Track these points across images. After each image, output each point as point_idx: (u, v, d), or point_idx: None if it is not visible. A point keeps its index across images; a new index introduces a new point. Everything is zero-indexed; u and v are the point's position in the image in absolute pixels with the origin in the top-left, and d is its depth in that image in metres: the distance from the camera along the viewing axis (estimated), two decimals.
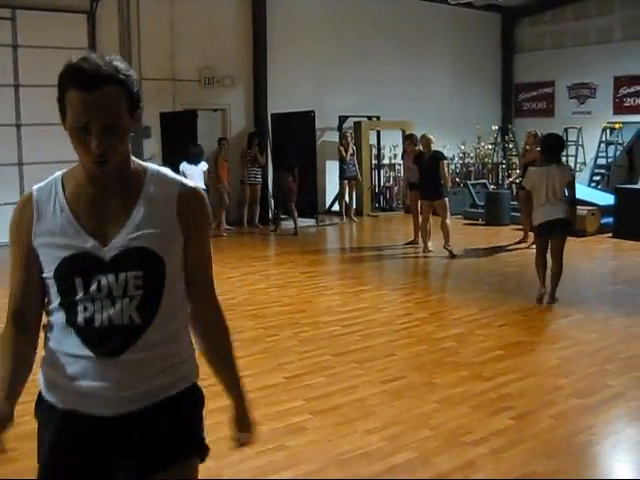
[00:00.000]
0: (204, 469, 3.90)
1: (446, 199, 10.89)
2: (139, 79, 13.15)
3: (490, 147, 18.12)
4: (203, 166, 12.16)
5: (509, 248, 11.36)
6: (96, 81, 1.77)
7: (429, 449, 4.17)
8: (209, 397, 4.98)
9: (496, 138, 18.19)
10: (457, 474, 3.88)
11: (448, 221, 10.79)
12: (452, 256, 10.53)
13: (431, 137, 11.03)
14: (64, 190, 1.94)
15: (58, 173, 1.99)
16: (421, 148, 11.26)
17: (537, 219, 7.71)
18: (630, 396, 5.11)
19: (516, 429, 4.47)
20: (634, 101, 17.47)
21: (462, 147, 17.94)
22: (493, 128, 18.28)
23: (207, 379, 5.33)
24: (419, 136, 11.51)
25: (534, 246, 11.05)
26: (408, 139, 12.32)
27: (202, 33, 13.88)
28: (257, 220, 14.19)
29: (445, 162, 10.97)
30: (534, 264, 7.88)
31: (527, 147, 11.79)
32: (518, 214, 12.46)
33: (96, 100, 1.77)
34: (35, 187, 1.97)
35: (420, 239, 11.33)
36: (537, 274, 7.82)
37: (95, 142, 1.79)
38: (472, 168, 17.95)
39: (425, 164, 10.81)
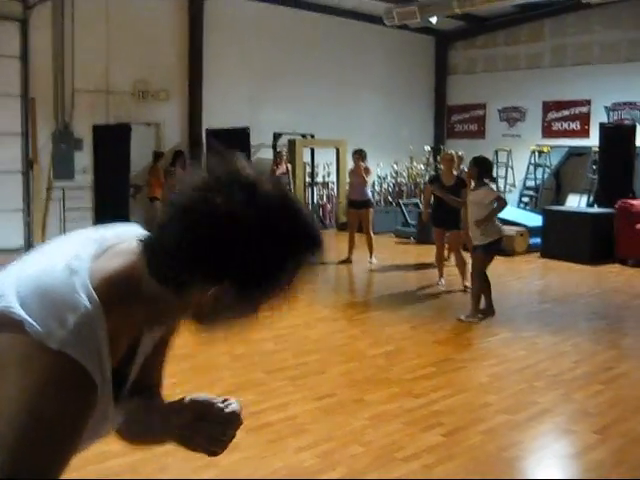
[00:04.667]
0: None
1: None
2: (72, 91, 12.98)
3: (422, 167, 18.39)
4: None
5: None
6: None
7: (361, 466, 4.18)
8: None
9: (428, 158, 18.48)
10: None
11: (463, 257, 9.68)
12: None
13: (452, 153, 10.26)
14: None
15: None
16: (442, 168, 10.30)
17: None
18: (556, 412, 5.23)
19: (447, 445, 4.52)
20: (561, 125, 17.96)
21: (395, 166, 18.15)
22: (426, 148, 18.57)
23: None
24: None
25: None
26: (357, 154, 11.93)
27: (138, 46, 13.75)
28: None
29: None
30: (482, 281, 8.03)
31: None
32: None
33: None
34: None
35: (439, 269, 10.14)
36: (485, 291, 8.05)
37: None
38: (404, 187, 18.17)
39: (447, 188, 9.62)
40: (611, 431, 4.85)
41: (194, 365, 6.08)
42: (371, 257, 11.60)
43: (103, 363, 1.19)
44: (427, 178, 17.96)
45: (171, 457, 4.19)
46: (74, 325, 1.14)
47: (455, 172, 9.93)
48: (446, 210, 9.50)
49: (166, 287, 1.19)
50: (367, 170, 11.78)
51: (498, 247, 8.16)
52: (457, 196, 9.36)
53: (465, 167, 11.60)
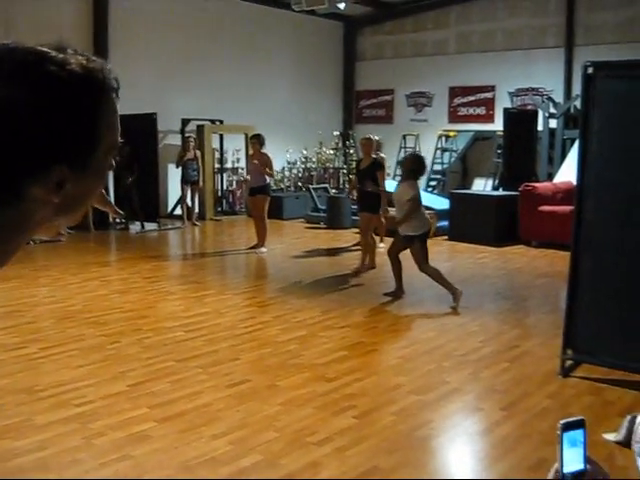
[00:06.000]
0: None
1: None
2: None
3: (332, 152, 18.50)
4: None
5: (350, 249, 11.63)
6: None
7: (275, 451, 4.20)
8: (48, 409, 4.81)
9: (337, 143, 18.62)
10: (303, 474, 3.92)
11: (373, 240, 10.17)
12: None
13: (370, 137, 10.29)
14: None
15: None
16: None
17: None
18: (465, 391, 5.37)
19: (359, 427, 4.58)
20: (467, 110, 18.34)
21: (304, 152, 18.18)
22: (335, 133, 18.70)
23: (46, 389, 5.15)
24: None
25: (381, 245, 11.32)
26: (254, 139, 11.64)
27: (40, 30, 13.29)
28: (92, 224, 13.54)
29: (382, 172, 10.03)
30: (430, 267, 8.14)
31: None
32: (358, 217, 12.72)
33: None
34: None
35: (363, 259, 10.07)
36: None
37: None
38: (314, 172, 18.24)
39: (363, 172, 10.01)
40: (517, 407, 5.00)
41: (104, 357, 5.97)
42: (261, 246, 11.40)
43: None
44: (336, 163, 18.27)
45: (84, 452, 4.12)
46: None
47: (374, 155, 10.18)
48: (362, 194, 9.93)
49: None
50: (262, 155, 11.33)
51: (427, 236, 8.31)
52: (371, 177, 9.73)
53: (381, 153, 11.83)
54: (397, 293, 8.39)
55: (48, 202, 1.05)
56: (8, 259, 1.10)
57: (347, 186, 17.39)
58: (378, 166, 9.93)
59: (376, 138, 11.33)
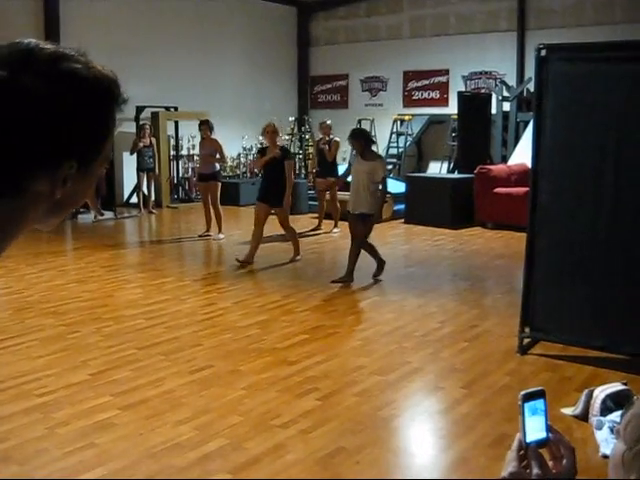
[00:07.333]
0: (10, 474, 3.75)
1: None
2: None
3: (287, 138, 18.46)
4: None
5: (307, 235, 11.69)
6: None
7: (240, 435, 4.22)
8: (9, 400, 4.77)
9: (293, 129, 18.57)
10: (269, 457, 3.96)
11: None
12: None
13: (274, 124, 10.00)
14: None
15: None
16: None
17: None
18: (426, 371, 5.45)
19: (322, 409, 4.63)
20: (421, 95, 18.44)
21: (260, 138, 18.11)
22: (290, 119, 18.65)
23: (6, 381, 5.10)
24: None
25: (335, 230, 11.63)
26: (204, 124, 11.58)
27: None
28: None
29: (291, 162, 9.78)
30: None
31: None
32: (316, 203, 12.82)
33: None
34: None
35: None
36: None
37: None
38: None
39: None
40: (477, 385, 5.10)
41: (65, 346, 5.93)
42: (219, 232, 11.46)
43: None
44: (292, 149, 18.25)
45: (47, 442, 4.10)
46: None
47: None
48: (273, 185, 9.38)
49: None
50: (213, 141, 11.41)
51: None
52: (280, 167, 9.31)
53: (334, 135, 12.00)
54: (347, 279, 8.28)
55: (50, 197, 1.06)
56: None
57: (310, 169, 17.41)
58: (287, 155, 9.59)
59: (328, 122, 11.76)
